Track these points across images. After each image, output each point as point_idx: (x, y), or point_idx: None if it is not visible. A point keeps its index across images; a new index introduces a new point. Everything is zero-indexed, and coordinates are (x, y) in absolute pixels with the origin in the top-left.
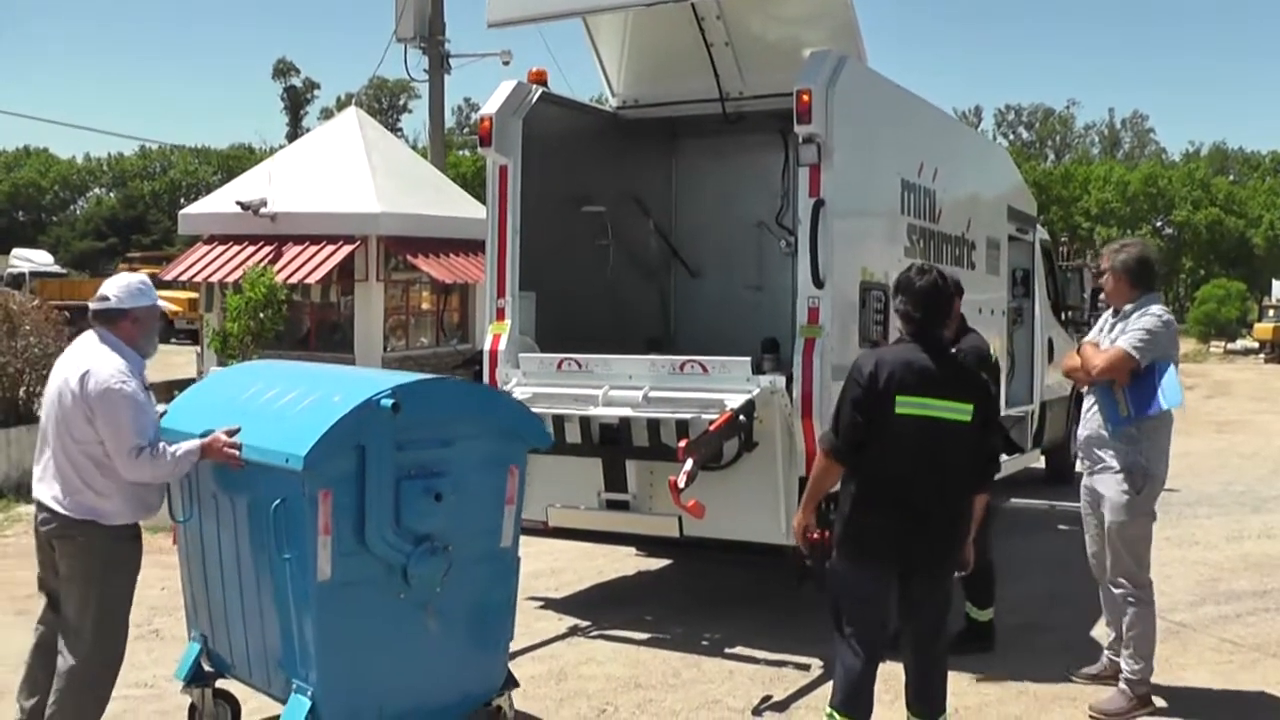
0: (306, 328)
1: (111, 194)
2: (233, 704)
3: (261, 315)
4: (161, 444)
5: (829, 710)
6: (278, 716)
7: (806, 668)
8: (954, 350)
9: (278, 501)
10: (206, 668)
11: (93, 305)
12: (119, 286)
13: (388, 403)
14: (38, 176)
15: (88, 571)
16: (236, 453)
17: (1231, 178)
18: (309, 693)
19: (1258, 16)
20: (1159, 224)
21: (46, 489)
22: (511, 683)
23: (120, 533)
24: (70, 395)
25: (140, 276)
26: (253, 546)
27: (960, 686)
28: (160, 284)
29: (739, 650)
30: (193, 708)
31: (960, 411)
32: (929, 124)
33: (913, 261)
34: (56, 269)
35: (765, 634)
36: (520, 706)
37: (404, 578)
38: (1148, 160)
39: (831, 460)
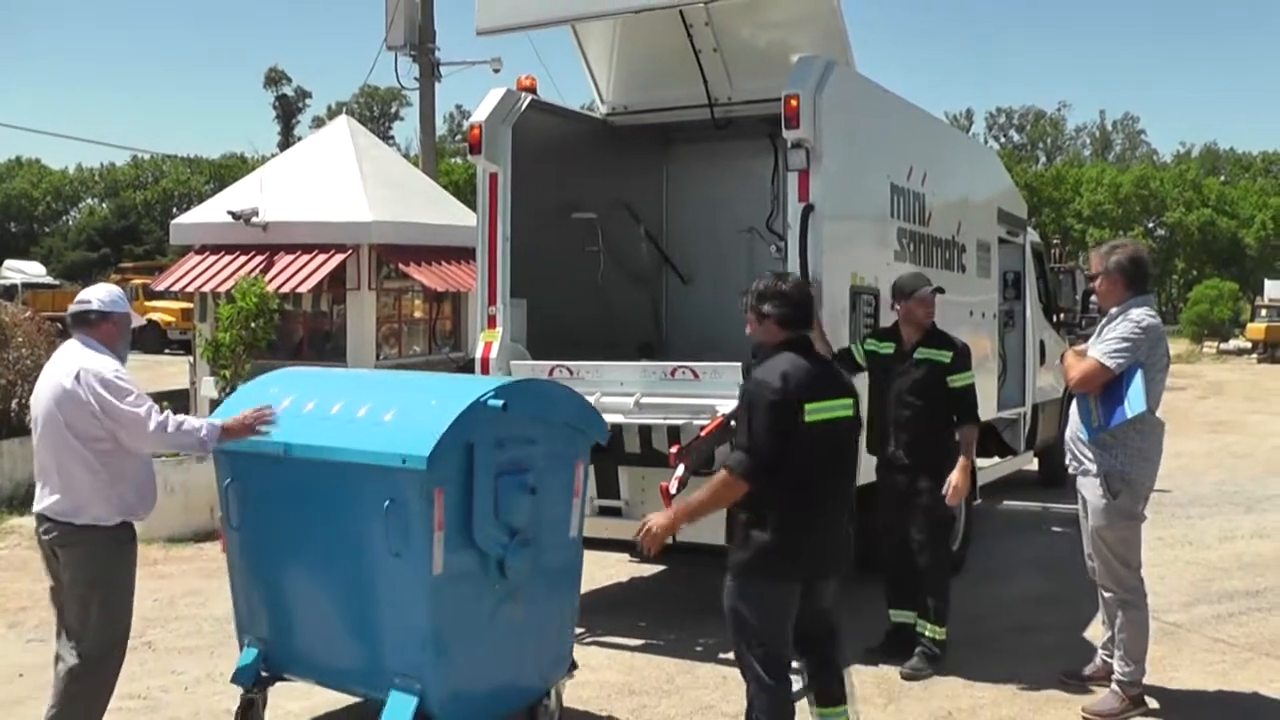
0: (299, 337)
1: (104, 204)
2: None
3: (254, 325)
4: (182, 417)
5: None
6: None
7: (799, 673)
8: (959, 350)
9: (387, 501)
10: (263, 673)
11: (73, 309)
12: (100, 292)
13: (497, 403)
14: (30, 187)
15: (90, 576)
16: (265, 425)
17: (1223, 178)
18: (416, 686)
19: (1248, 17)
20: (1151, 225)
21: (47, 499)
22: (573, 664)
23: (120, 534)
24: (66, 395)
25: (117, 288)
26: (349, 547)
27: (954, 689)
28: (152, 294)
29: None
30: (242, 713)
31: (847, 407)
32: (918, 128)
33: (768, 270)
34: (49, 280)
35: None
36: (516, 713)
37: (500, 569)
38: (1139, 162)
39: (741, 482)
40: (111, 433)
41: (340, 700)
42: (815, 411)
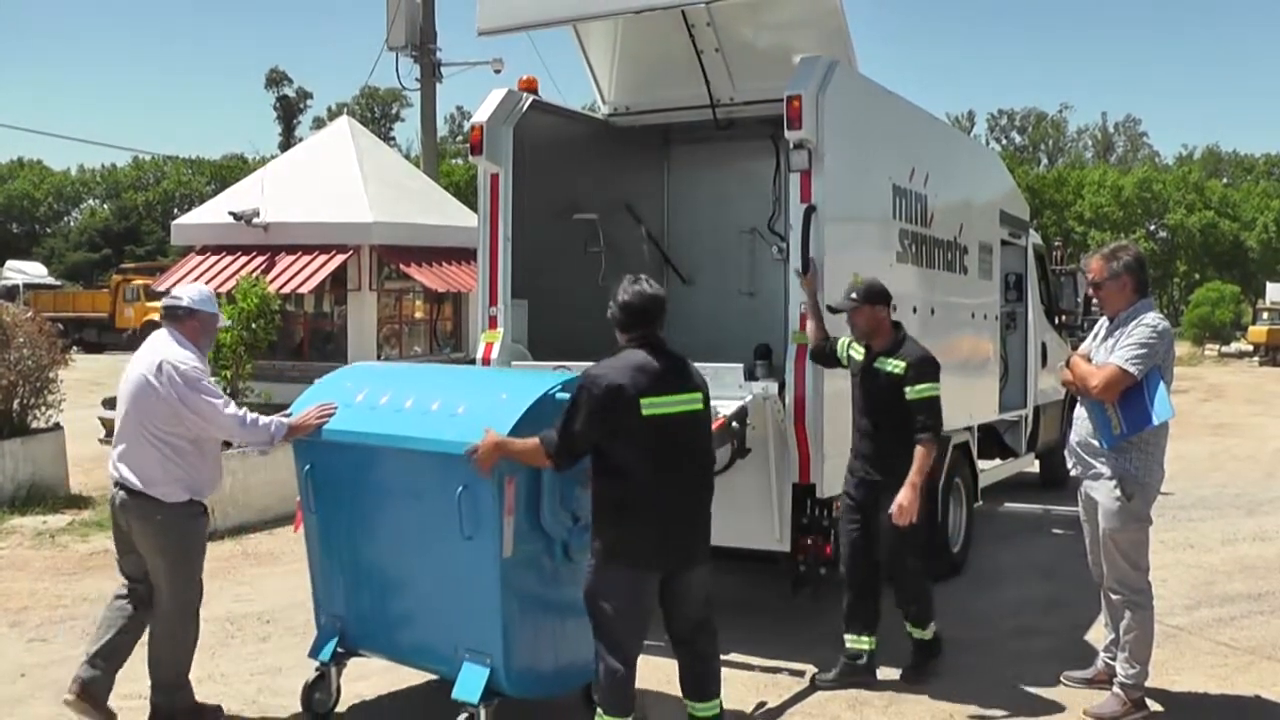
0: (300, 337)
1: (105, 205)
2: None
3: (254, 325)
4: (255, 414)
5: (599, 713)
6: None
7: (801, 674)
8: (914, 361)
9: (461, 488)
10: (338, 649)
11: (165, 303)
12: (192, 291)
13: (564, 396)
14: (31, 188)
15: (160, 546)
16: (323, 420)
17: (1225, 181)
18: (487, 660)
19: (1249, 19)
20: (1153, 228)
21: (122, 470)
22: None
23: (189, 510)
24: (148, 385)
25: (208, 288)
26: (424, 530)
27: (955, 692)
28: (154, 295)
29: (733, 657)
30: (313, 685)
31: (694, 401)
32: (920, 129)
33: (627, 274)
34: (50, 281)
35: (759, 641)
36: (514, 715)
37: (565, 552)
38: (1141, 164)
39: (546, 458)
40: (187, 421)
41: (349, 696)
42: (653, 406)
